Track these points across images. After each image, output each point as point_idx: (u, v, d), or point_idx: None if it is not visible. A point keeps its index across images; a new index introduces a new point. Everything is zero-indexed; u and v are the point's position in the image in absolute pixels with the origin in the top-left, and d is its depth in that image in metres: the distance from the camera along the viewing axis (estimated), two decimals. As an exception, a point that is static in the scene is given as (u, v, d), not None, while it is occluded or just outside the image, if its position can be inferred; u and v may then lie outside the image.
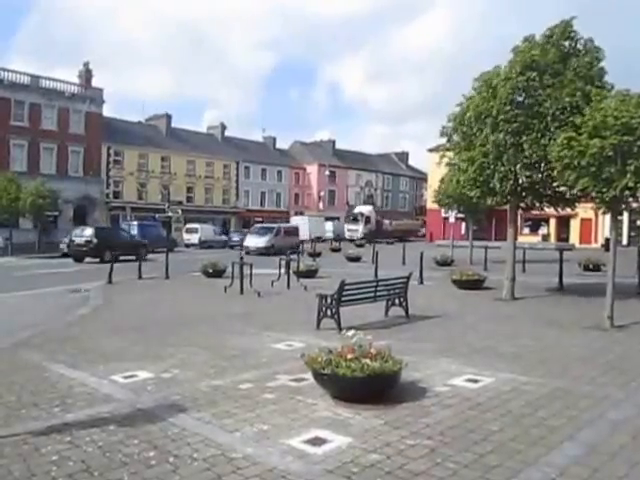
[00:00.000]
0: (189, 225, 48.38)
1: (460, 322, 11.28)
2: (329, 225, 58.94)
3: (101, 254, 27.31)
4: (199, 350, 8.44)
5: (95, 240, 28.60)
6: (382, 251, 23.41)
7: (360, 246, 42.82)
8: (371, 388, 5.73)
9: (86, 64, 50.71)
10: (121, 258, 23.98)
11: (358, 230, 55.07)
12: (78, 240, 29.39)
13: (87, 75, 50.29)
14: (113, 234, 32.64)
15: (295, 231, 43.00)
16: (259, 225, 45.06)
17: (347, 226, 57.66)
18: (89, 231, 29.91)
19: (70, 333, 9.96)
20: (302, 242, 39.14)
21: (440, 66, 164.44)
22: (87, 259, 28.55)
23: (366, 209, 60.13)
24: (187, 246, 44.50)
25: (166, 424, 5.19)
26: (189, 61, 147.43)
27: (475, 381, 6.71)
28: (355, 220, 57.69)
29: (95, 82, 50.35)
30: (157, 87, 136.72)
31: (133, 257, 24.69)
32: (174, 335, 9.72)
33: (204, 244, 44.78)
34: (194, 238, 45.67)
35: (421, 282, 17.89)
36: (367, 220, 57.50)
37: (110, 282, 18.13)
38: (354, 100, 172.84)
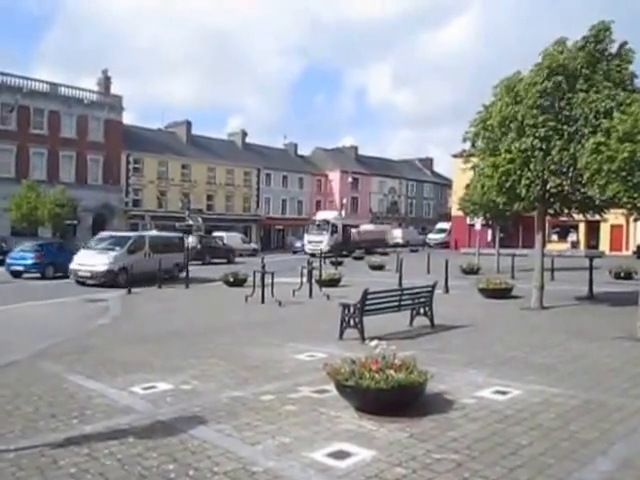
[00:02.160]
0: (216, 233, 49.08)
1: (487, 332, 11.17)
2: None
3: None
4: (219, 361, 8.47)
5: None
6: (406, 259, 23.29)
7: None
8: (396, 400, 5.69)
9: (105, 71, 51.59)
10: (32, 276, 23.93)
11: (322, 242, 42.53)
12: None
13: (106, 82, 51.15)
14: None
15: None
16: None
17: (308, 237, 45.98)
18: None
19: (89, 343, 10.08)
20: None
21: (469, 70, 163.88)
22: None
23: (331, 215, 49.78)
24: None
25: (186, 436, 5.21)
26: (215, 67, 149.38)
27: (503, 393, 6.62)
28: (319, 229, 46.32)
29: (120, 90, 51.70)
30: (183, 94, 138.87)
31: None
32: (194, 345, 9.77)
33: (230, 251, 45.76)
34: None
35: (446, 291, 17.77)
36: (333, 229, 46.29)
37: (129, 292, 18.33)
38: (380, 105, 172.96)
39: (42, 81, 47.21)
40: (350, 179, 68.58)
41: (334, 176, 71.32)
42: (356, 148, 77.90)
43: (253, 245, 51.05)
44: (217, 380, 7.34)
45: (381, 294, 10.76)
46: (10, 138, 43.41)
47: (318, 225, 46.95)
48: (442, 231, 63.68)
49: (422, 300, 11.51)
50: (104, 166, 49.27)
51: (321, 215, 50.46)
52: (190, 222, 26.50)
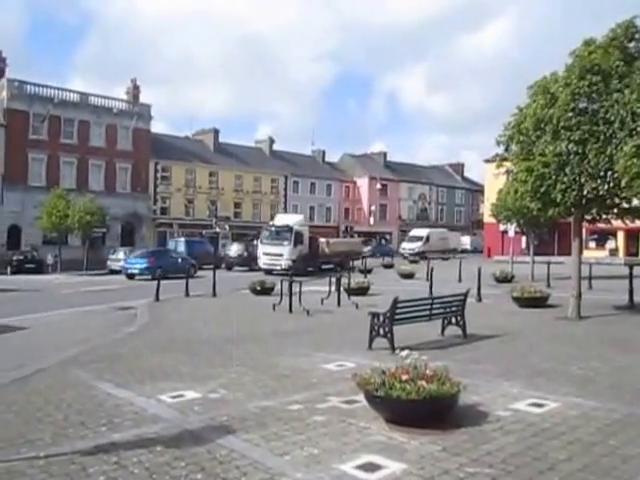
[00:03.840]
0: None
1: (522, 342, 10.98)
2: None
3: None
4: (247, 370, 8.50)
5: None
6: (437, 267, 23.10)
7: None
8: (427, 412, 5.62)
9: (133, 80, 52.72)
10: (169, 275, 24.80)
11: (282, 255, 33.48)
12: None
13: (135, 91, 52.19)
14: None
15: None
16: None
17: (263, 248, 34.93)
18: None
19: (117, 351, 10.21)
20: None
21: (505, 72, 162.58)
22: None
23: (295, 220, 37.70)
24: None
25: (214, 446, 5.22)
26: (247, 75, 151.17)
27: (539, 405, 6.49)
28: (278, 238, 34.58)
29: (153, 99, 52.75)
30: (214, 102, 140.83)
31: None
32: (222, 354, 9.83)
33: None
34: None
35: (479, 299, 17.57)
36: (298, 238, 35.04)
37: (157, 300, 18.54)
38: (413, 110, 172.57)
39: (73, 91, 48.43)
40: (379, 185, 68.50)
41: (362, 182, 71.27)
42: (385, 154, 77.77)
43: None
44: (245, 389, 7.36)
45: (411, 303, 10.66)
46: (41, 147, 44.58)
47: (277, 233, 34.85)
48: (418, 239, 57.70)
49: (454, 309, 11.39)
50: (132, 174, 50.12)
51: (281, 219, 37.93)
52: (217, 230, 26.86)
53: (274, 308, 15.67)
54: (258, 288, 20.37)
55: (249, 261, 37.87)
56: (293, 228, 35.02)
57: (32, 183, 43.91)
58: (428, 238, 57.00)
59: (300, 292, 16.05)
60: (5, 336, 12.60)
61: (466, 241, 68.29)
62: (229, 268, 38.20)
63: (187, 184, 54.94)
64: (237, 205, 59.09)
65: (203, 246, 41.40)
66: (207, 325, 13.83)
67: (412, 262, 42.03)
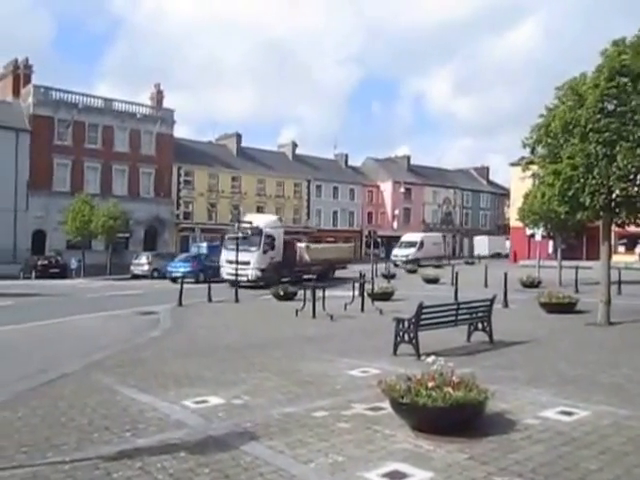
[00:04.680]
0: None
1: (550, 349, 10.83)
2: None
3: None
4: (271, 375, 8.51)
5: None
6: (462, 272, 22.94)
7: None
8: (454, 419, 5.57)
9: (157, 86, 53.33)
10: (189, 280, 25.10)
11: (250, 263, 28.07)
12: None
13: (158, 96, 52.81)
14: None
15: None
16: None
17: (226, 255, 28.87)
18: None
19: (141, 356, 10.30)
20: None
21: (533, 74, 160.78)
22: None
23: (266, 220, 32.03)
24: None
25: (238, 452, 5.23)
26: (271, 79, 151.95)
27: (569, 414, 6.39)
28: (245, 243, 27.44)
29: (177, 103, 53.70)
30: (239, 106, 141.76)
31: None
32: (245, 360, 9.86)
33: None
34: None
35: (506, 305, 17.38)
36: (268, 242, 29.68)
37: (180, 305, 18.69)
38: (439, 113, 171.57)
39: (97, 97, 49.18)
40: (402, 189, 68.24)
41: (386, 187, 71.06)
42: (408, 157, 77.44)
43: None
44: (269, 395, 7.37)
45: (437, 308, 10.60)
46: (66, 153, 45.28)
47: (244, 237, 27.56)
48: (411, 245, 52.24)
49: (480, 315, 11.29)
50: (155, 179, 50.64)
51: (249, 219, 31.30)
52: (240, 234, 26.91)
53: (297, 313, 15.68)
54: (281, 293, 20.44)
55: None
56: (263, 230, 29.32)
57: (57, 188, 44.60)
58: (422, 244, 52.24)
59: (323, 297, 16.05)
60: (29, 340, 12.80)
61: (504, 245, 66.13)
62: None
63: (210, 188, 55.33)
64: (260, 209, 59.22)
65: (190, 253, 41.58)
66: (230, 330, 13.90)
67: (437, 267, 41.72)
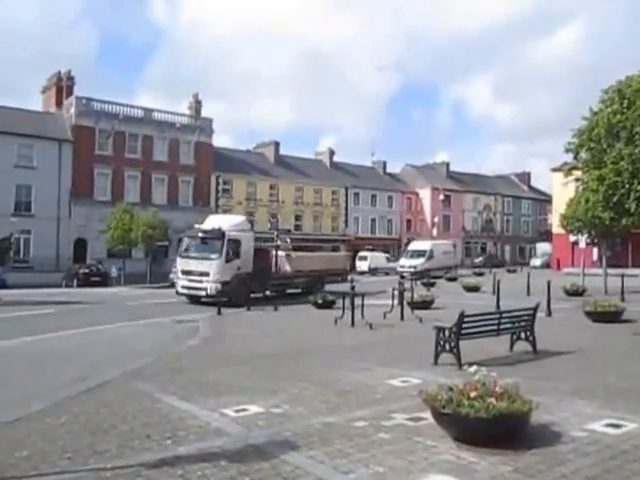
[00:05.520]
0: (361, 253, 54.19)
1: (596, 359, 10.57)
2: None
3: None
4: (310, 385, 8.51)
5: None
6: (503, 280, 22.61)
7: None
8: (497, 431, 5.47)
9: (195, 95, 54.27)
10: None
11: (208, 274, 23.15)
12: None
13: (197, 106, 53.73)
14: None
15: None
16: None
17: (182, 264, 24.41)
18: None
19: (180, 364, 10.43)
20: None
21: (575, 78, 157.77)
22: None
23: (231, 222, 26.12)
24: (361, 274, 47.88)
25: (278, 462, 5.24)
26: (311, 88, 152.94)
27: (617, 426, 6.21)
28: (204, 249, 24.06)
29: (217, 113, 54.44)
30: (278, 115, 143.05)
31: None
32: (284, 368, 9.89)
33: (374, 271, 47.07)
34: (364, 265, 50.18)
35: (549, 314, 17.04)
36: (233, 249, 24.12)
37: (219, 313, 18.88)
38: (479, 119, 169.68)
39: (137, 107, 50.33)
40: (441, 196, 67.65)
41: (425, 194, 70.63)
42: (447, 164, 76.87)
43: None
44: (308, 404, 7.37)
45: (478, 317, 10.47)
46: (107, 162, 46.40)
47: (203, 242, 24.16)
48: (420, 254, 46.96)
49: (523, 324, 11.09)
50: (194, 188, 51.42)
51: (213, 221, 26.11)
52: (278, 242, 26.97)
53: (336, 322, 15.66)
54: (319, 301, 20.48)
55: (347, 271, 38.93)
56: (226, 234, 23.65)
57: (98, 197, 45.68)
58: (432, 253, 47.07)
59: (362, 305, 16.01)
60: (70, 347, 13.10)
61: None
62: None
63: (248, 197, 55.87)
64: (297, 217, 59.61)
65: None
66: (268, 339, 13.98)
67: (477, 275, 41.17)
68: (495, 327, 10.56)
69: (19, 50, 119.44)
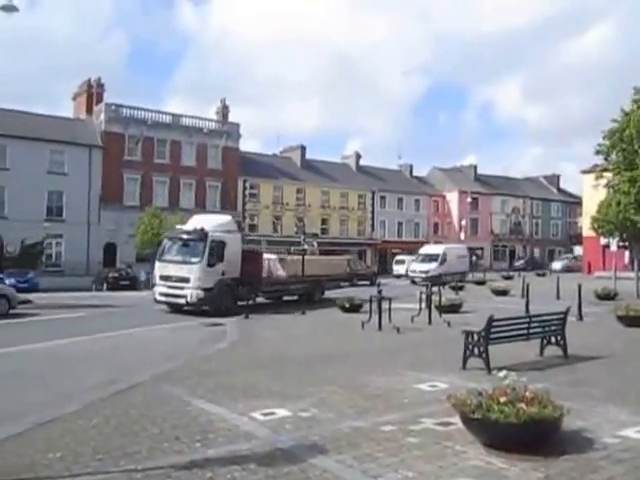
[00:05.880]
0: (398, 257, 54.00)
1: (629, 364, 10.38)
2: None
3: None
4: (338, 389, 8.52)
5: None
6: (532, 284, 22.32)
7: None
8: (528, 436, 5.41)
9: (223, 100, 54.84)
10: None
11: (189, 280, 20.97)
12: None
13: (224, 111, 54.24)
14: None
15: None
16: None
17: (161, 269, 22.14)
18: None
19: (209, 367, 10.52)
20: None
21: (607, 79, 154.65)
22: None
23: (215, 223, 23.43)
24: (397, 277, 48.02)
25: (306, 465, 5.26)
26: (337, 92, 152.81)
27: (652, 434, 6.10)
28: (185, 252, 22.02)
29: (244, 117, 54.65)
30: (305, 119, 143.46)
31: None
32: (311, 372, 9.91)
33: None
34: (402, 269, 49.42)
35: (580, 318, 16.79)
36: (217, 252, 21.74)
37: (247, 317, 18.99)
38: (508, 121, 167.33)
39: (165, 112, 51.00)
40: (469, 199, 67.05)
41: (452, 197, 70.10)
42: (475, 167, 76.18)
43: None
44: (336, 408, 7.38)
45: (508, 321, 10.37)
46: (135, 168, 47.08)
47: (183, 244, 22.10)
48: (432, 259, 43.21)
49: (553, 328, 10.95)
50: (222, 192, 51.86)
51: (193, 223, 23.50)
52: (305, 246, 26.98)
53: (363, 326, 15.63)
54: (346, 305, 20.46)
55: (351, 276, 38.63)
56: (208, 235, 21.34)
57: (127, 202, 46.33)
58: (445, 257, 43.34)
59: (390, 309, 15.96)
60: (101, 350, 13.30)
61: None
62: None
63: (274, 201, 56.12)
64: (324, 221, 59.66)
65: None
66: (296, 343, 14.01)
67: (506, 278, 40.68)
68: (525, 331, 10.44)
69: (52, 58, 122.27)
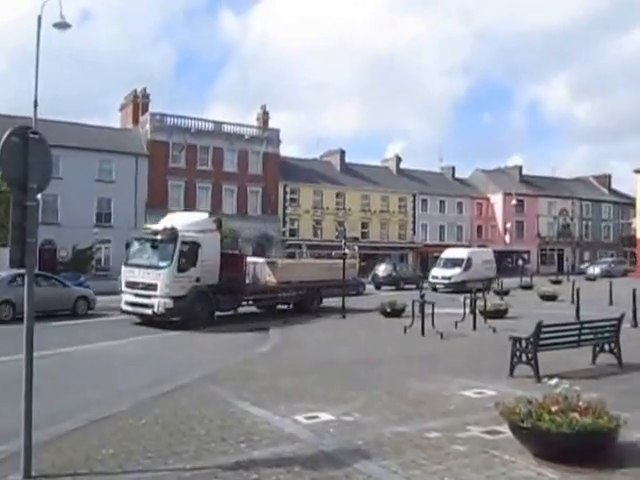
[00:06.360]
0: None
1: (688, 373, 9.97)
2: None
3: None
4: (381, 394, 8.45)
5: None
6: (582, 289, 21.72)
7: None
8: (581, 447, 5.22)
9: (263, 107, 55.41)
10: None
11: (156, 286, 18.02)
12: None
13: (264, 117, 54.79)
14: None
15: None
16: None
17: (127, 274, 19.23)
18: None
19: (252, 370, 10.58)
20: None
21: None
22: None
23: (189, 221, 20.68)
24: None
25: (351, 470, 5.22)
26: (378, 94, 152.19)
27: None
28: (152, 255, 19.03)
29: (286, 123, 55.60)
30: (346, 123, 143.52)
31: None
32: (353, 376, 9.86)
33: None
34: None
35: (635, 325, 16.24)
36: (189, 255, 18.66)
37: (286, 321, 19.06)
38: (556, 120, 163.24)
39: (207, 120, 51.86)
40: (514, 201, 65.79)
41: (496, 199, 68.94)
42: (520, 168, 74.68)
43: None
44: (379, 413, 7.31)
45: (557, 327, 10.10)
46: (180, 175, 48.06)
47: (152, 245, 19.17)
48: (455, 264, 38.90)
49: (607, 335, 10.59)
50: (262, 197, 52.37)
51: (165, 221, 20.53)
52: (346, 250, 26.82)
53: (405, 330, 15.48)
54: (388, 310, 20.30)
55: (397, 280, 38.81)
56: (179, 236, 18.31)
57: (171, 208, 46.86)
58: (469, 262, 38.97)
59: (433, 314, 15.78)
60: (149, 352, 13.55)
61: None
62: (377, 287, 39.14)
63: (315, 205, 56.29)
64: (364, 225, 59.49)
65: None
66: (338, 347, 13.97)
67: (554, 282, 39.71)
68: (576, 338, 10.15)
69: (103, 72, 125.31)
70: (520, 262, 60.69)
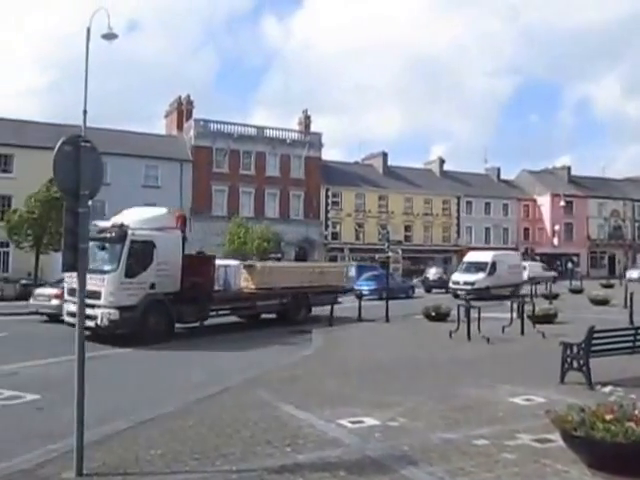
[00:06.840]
0: (526, 263, 51.29)
1: None
2: None
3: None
4: (426, 399, 8.37)
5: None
6: (636, 293, 21.08)
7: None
8: (638, 458, 5.03)
9: (305, 111, 55.73)
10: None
11: (100, 295, 14.93)
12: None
13: (306, 121, 55.10)
14: None
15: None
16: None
17: (69, 278, 15.25)
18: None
19: (295, 374, 10.63)
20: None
21: None
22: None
23: (142, 217, 17.18)
24: None
25: (397, 476, 5.19)
26: (421, 96, 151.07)
27: None
28: (100, 256, 15.71)
29: (328, 127, 55.82)
30: (389, 125, 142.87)
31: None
32: (398, 381, 9.80)
33: (532, 280, 46.02)
34: (524, 275, 48.01)
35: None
36: (139, 257, 15.65)
37: (331, 324, 19.04)
38: (606, 119, 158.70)
39: (250, 125, 52.59)
40: (562, 203, 64.31)
41: (544, 200, 67.47)
42: (569, 168, 72.97)
43: (553, 273, 50.81)
44: (425, 419, 7.25)
45: (610, 333, 9.84)
46: (223, 180, 48.73)
47: (99, 245, 15.71)
48: (479, 268, 35.73)
49: (662, 341, 10.25)
50: (305, 201, 52.62)
51: (118, 218, 17.12)
52: (389, 254, 26.59)
53: (451, 335, 15.28)
54: (433, 314, 20.10)
55: (446, 283, 38.41)
56: (128, 234, 15.54)
57: (215, 212, 47.92)
58: (494, 266, 35.66)
59: (479, 318, 15.54)
60: (190, 356, 13.73)
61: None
62: (428, 290, 39.66)
63: (357, 209, 56.23)
64: (407, 228, 59.09)
65: (373, 271, 42.03)
66: (381, 351, 13.91)
67: (605, 286, 38.54)
68: (630, 344, 9.87)
69: (149, 80, 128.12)
70: (569, 265, 59.29)
